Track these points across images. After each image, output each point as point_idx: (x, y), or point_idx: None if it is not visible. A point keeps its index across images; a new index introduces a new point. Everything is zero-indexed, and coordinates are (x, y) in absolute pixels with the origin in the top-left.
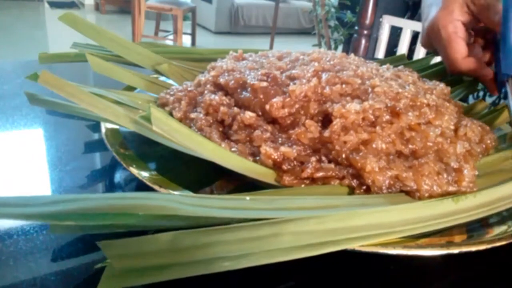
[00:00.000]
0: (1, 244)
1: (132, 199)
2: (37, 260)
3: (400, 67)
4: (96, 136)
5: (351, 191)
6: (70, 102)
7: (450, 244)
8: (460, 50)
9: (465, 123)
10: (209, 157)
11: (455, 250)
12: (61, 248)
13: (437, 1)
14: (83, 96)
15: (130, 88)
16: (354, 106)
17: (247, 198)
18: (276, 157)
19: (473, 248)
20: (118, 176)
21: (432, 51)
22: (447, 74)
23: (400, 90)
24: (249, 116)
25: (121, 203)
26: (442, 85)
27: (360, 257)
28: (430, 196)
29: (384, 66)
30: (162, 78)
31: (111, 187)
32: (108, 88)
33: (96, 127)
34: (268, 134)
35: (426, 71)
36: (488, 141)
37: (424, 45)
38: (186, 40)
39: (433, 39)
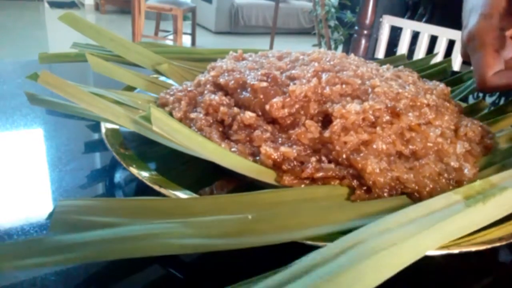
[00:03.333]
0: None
1: (132, 241)
2: None
3: (400, 67)
4: (96, 136)
5: (351, 191)
6: (70, 102)
7: (450, 244)
8: (491, 66)
9: (465, 123)
10: (209, 157)
11: (455, 250)
12: None
13: (477, 6)
14: (83, 96)
15: (130, 88)
16: (354, 106)
17: (249, 217)
18: (276, 157)
19: (473, 248)
20: (118, 176)
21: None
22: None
23: (400, 91)
24: (249, 116)
25: (122, 247)
26: (442, 85)
27: None
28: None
29: (384, 66)
30: (162, 78)
31: (111, 187)
32: (108, 88)
33: (96, 127)
34: (268, 134)
35: (426, 71)
36: (488, 141)
37: (462, 55)
38: (186, 40)
39: (470, 50)
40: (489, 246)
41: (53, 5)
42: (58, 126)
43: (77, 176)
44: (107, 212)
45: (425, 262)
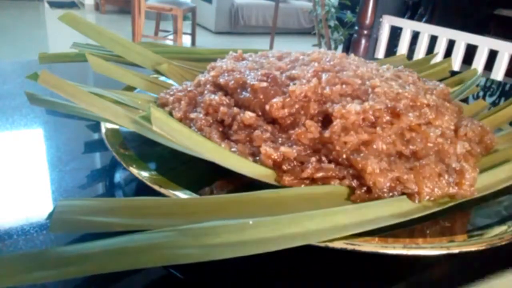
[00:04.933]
0: (1, 244)
1: (133, 252)
2: None
3: (400, 67)
4: (96, 136)
5: (351, 191)
6: (70, 102)
7: (450, 244)
8: None
9: (465, 123)
10: (209, 157)
11: (455, 250)
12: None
13: None
14: (83, 96)
15: (130, 88)
16: (354, 106)
17: (250, 222)
18: (276, 157)
19: (473, 248)
20: (118, 176)
21: None
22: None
23: (400, 91)
24: (249, 116)
25: (122, 259)
26: (442, 85)
27: (360, 257)
28: (432, 198)
29: (384, 66)
30: (162, 78)
31: (111, 187)
32: (108, 88)
33: (96, 127)
34: (268, 134)
35: (426, 71)
36: (488, 141)
37: None
38: (186, 40)
39: None
40: (489, 246)
41: (53, 5)
42: (58, 126)
43: (77, 176)
44: (107, 212)
45: (425, 262)
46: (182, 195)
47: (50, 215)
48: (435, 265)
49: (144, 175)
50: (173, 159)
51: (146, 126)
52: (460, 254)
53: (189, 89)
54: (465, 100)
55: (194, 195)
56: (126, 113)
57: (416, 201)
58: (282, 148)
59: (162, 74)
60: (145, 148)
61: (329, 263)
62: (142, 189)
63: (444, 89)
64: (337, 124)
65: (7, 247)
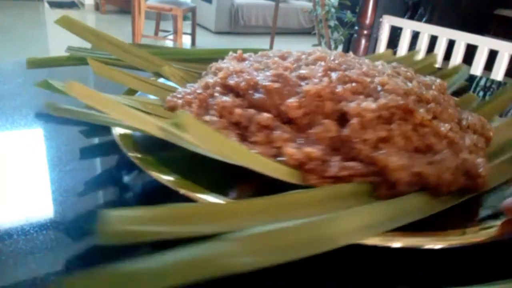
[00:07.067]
0: (1, 244)
1: (185, 266)
2: (37, 260)
3: (394, 64)
4: (96, 136)
5: (374, 188)
6: (91, 110)
7: (460, 236)
8: None
9: (465, 116)
10: (242, 162)
11: (456, 245)
12: (61, 248)
13: None
14: (114, 106)
15: (131, 92)
16: (370, 104)
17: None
18: (300, 157)
19: (473, 240)
20: (119, 176)
21: None
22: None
23: (406, 87)
24: (266, 117)
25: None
26: (439, 80)
27: (358, 252)
28: (449, 192)
29: (379, 63)
30: (161, 80)
31: (112, 187)
32: (107, 92)
33: (96, 126)
34: (287, 135)
35: (412, 67)
36: (489, 133)
37: None
38: (186, 40)
39: None
40: (494, 239)
41: (53, 5)
42: (58, 126)
43: (77, 176)
44: (155, 221)
45: (425, 256)
46: (210, 198)
47: (93, 225)
48: (437, 262)
49: (167, 179)
50: (186, 161)
51: (174, 134)
52: (460, 251)
53: (198, 91)
54: (453, 94)
55: (223, 198)
56: (154, 121)
57: (437, 195)
58: (306, 148)
59: (161, 76)
60: (156, 151)
61: (327, 260)
62: (144, 189)
63: (442, 84)
64: (355, 122)
65: (7, 247)
